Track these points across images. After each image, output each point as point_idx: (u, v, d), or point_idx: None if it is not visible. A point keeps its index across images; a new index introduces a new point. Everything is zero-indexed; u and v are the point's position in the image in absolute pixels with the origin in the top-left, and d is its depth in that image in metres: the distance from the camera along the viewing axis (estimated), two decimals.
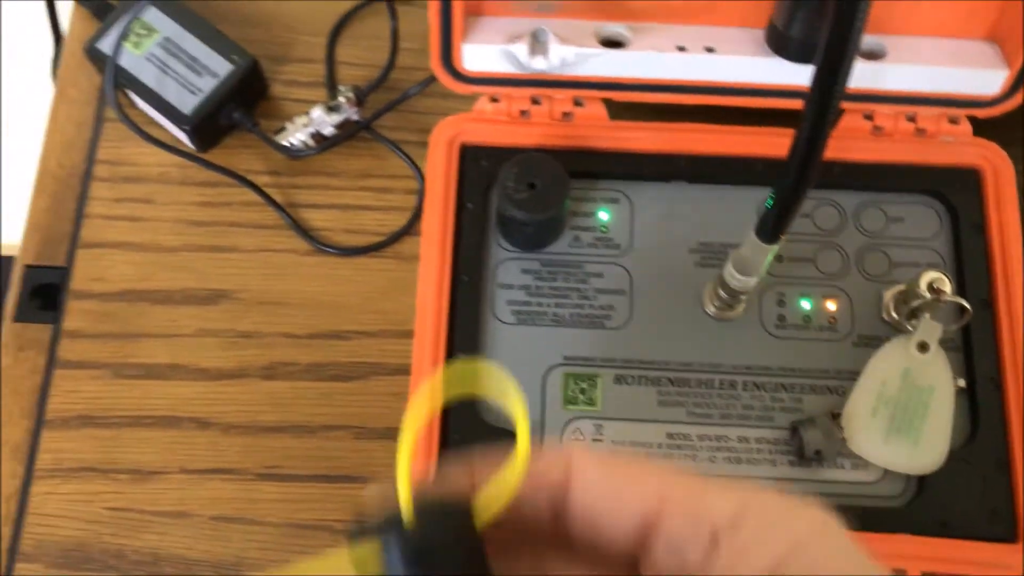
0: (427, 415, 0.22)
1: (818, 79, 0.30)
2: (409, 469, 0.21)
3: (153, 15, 0.54)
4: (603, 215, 0.46)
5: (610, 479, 0.21)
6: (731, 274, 0.41)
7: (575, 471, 0.22)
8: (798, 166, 0.32)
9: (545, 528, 0.22)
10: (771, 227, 0.36)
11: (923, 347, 0.43)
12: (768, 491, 0.21)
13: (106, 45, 0.53)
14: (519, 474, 0.20)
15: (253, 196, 0.53)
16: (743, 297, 0.43)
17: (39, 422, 0.49)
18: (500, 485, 0.21)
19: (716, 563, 0.20)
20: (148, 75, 0.53)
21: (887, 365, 0.43)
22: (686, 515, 0.20)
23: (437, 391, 0.22)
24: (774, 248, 0.37)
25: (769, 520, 0.20)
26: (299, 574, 0.20)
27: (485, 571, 0.20)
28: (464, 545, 0.20)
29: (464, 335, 0.44)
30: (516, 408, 0.21)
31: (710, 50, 0.44)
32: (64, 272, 0.52)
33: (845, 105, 0.45)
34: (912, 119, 0.46)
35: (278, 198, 0.53)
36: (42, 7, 0.62)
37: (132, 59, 0.53)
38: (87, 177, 0.54)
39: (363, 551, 0.20)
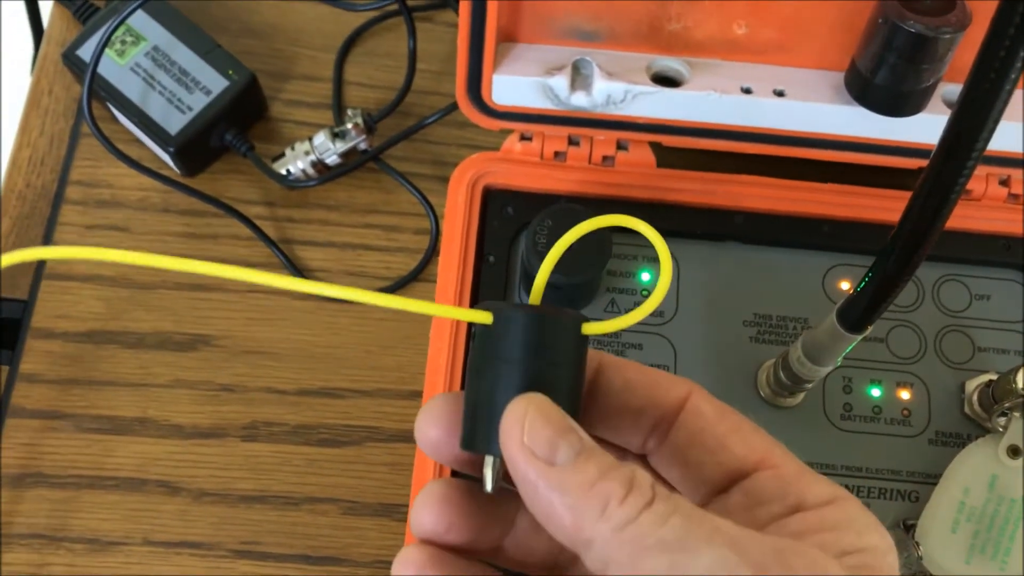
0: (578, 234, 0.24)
1: (952, 131, 0.24)
2: (548, 273, 0.24)
3: (142, 20, 0.48)
4: (645, 276, 0.42)
5: (723, 422, 0.24)
6: (799, 360, 0.35)
7: (691, 402, 0.24)
8: (909, 243, 0.27)
9: (636, 440, 0.25)
10: (860, 313, 0.30)
11: (1014, 452, 0.38)
12: (856, 500, 0.23)
13: (86, 52, 0.47)
14: (634, 315, 0.23)
15: (243, 229, 0.48)
16: (808, 386, 0.37)
17: None
18: (617, 321, 0.23)
19: (786, 527, 0.22)
20: (132, 88, 0.47)
21: (971, 471, 0.38)
22: (782, 482, 0.23)
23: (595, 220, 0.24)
24: (857, 338, 0.31)
25: (851, 516, 0.22)
26: (440, 314, 0.24)
27: (582, 360, 0.23)
28: (573, 334, 0.23)
29: None
30: (659, 247, 0.23)
31: (779, 94, 0.41)
32: (25, 306, 0.47)
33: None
34: (1005, 183, 0.43)
35: (271, 232, 0.48)
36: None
37: (115, 69, 0.47)
38: (58, 199, 0.49)
39: (490, 310, 0.23)
